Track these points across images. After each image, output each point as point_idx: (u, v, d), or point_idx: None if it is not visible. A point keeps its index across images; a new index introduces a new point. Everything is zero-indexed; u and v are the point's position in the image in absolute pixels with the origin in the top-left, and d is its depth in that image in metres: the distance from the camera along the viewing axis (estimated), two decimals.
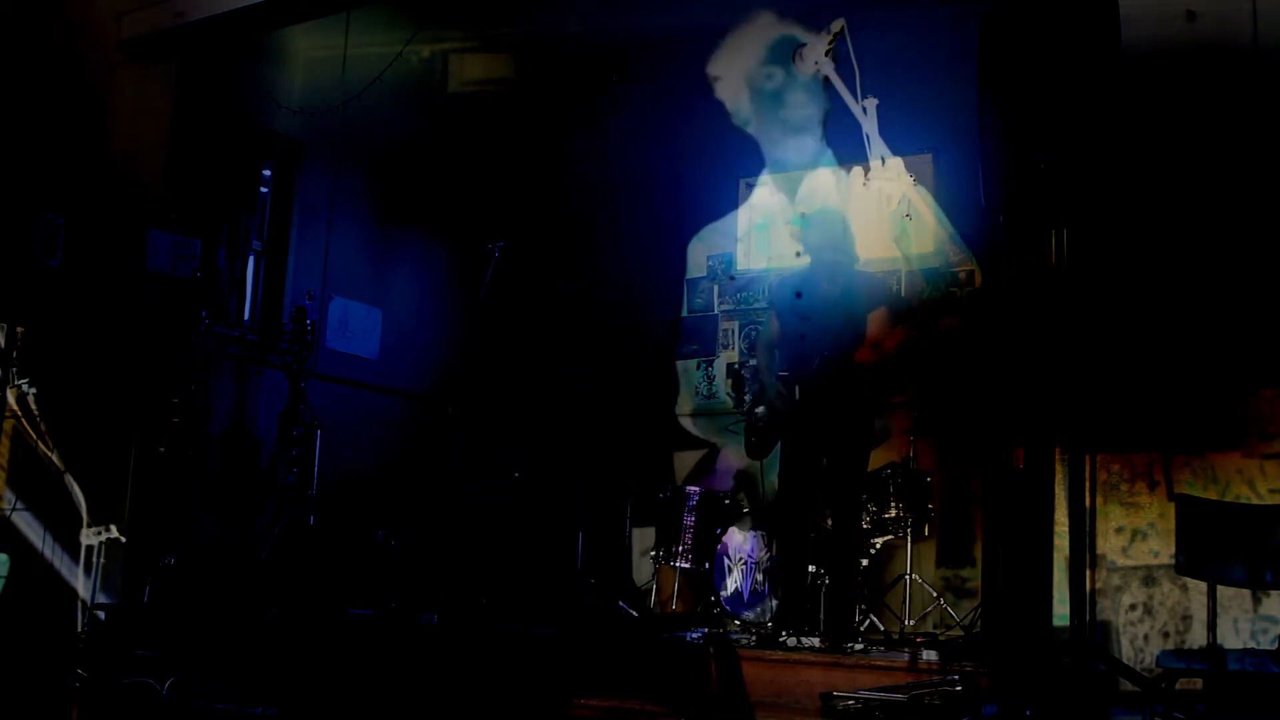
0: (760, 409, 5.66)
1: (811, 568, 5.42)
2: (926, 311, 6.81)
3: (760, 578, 6.02)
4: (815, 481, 5.44)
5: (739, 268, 7.75)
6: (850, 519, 5.49)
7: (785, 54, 7.22)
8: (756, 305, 7.58)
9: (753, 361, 6.37)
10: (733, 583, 6.09)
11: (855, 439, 5.43)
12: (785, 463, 5.51)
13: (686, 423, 7.78)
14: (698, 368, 7.74)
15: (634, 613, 6.07)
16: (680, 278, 7.96)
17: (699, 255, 7.93)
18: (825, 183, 6.65)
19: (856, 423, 5.42)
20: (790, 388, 5.37)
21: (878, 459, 6.19)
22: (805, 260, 5.62)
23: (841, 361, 5.28)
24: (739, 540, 6.16)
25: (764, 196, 7.65)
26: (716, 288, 7.81)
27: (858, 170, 7.25)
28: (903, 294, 7.01)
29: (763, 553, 6.05)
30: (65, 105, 6.07)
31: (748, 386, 5.78)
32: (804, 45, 7.43)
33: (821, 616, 5.22)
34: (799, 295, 5.50)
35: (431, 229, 8.04)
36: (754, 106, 7.47)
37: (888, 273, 7.06)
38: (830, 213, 5.70)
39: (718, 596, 6.07)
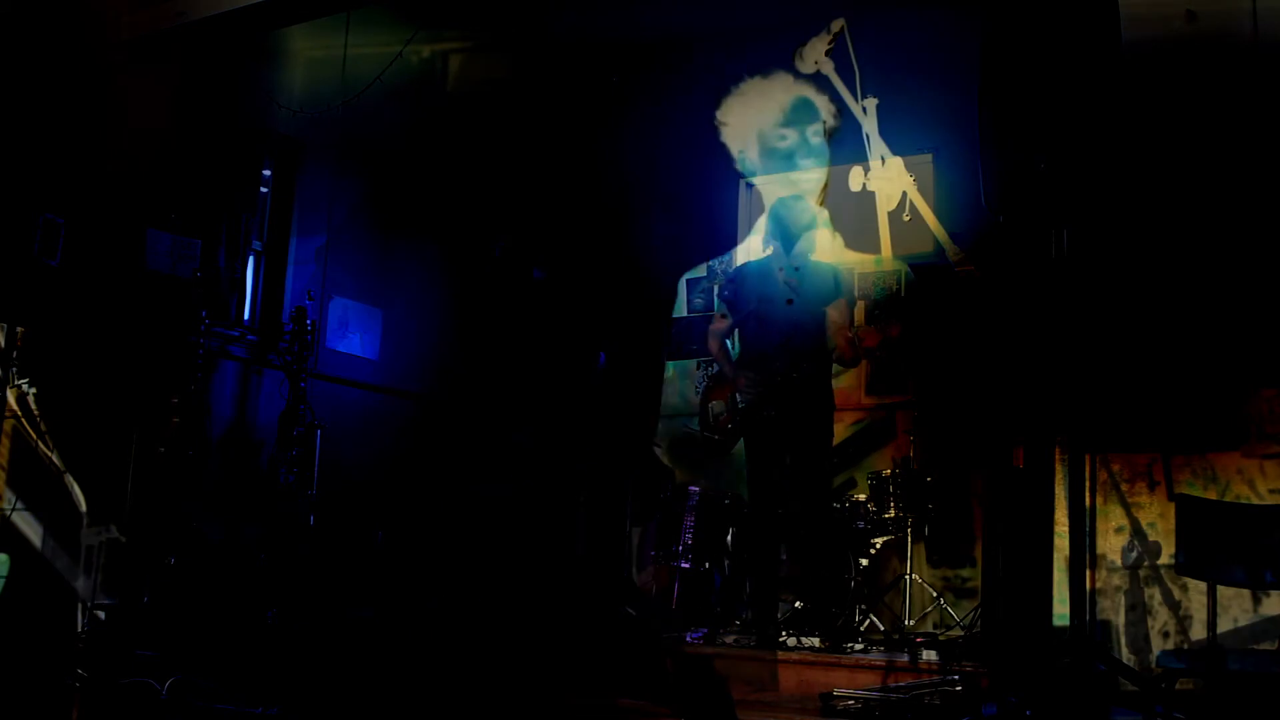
0: (715, 404, 5.67)
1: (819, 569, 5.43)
2: (926, 312, 6.81)
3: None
4: (782, 476, 5.46)
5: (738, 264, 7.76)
6: (822, 512, 5.52)
7: (799, 117, 7.27)
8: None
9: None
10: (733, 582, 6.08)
11: (819, 431, 5.46)
12: (751, 460, 5.55)
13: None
14: (698, 367, 7.73)
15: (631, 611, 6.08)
16: (680, 276, 7.96)
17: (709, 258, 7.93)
18: (823, 242, 6.68)
19: (818, 415, 5.46)
20: (757, 383, 5.40)
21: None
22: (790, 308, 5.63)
23: (802, 353, 5.32)
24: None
25: (755, 244, 7.67)
26: (716, 287, 7.81)
27: (857, 169, 7.27)
28: (902, 294, 7.01)
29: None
30: (65, 105, 6.07)
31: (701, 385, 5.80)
32: (804, 45, 7.46)
33: (821, 616, 5.23)
34: (797, 269, 5.54)
35: (432, 229, 8.04)
36: (763, 162, 7.51)
37: (888, 272, 7.07)
38: (820, 277, 5.74)
39: (718, 596, 6.06)
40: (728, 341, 5.95)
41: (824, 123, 7.35)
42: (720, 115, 7.41)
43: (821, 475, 5.54)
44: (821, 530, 5.54)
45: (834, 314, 5.47)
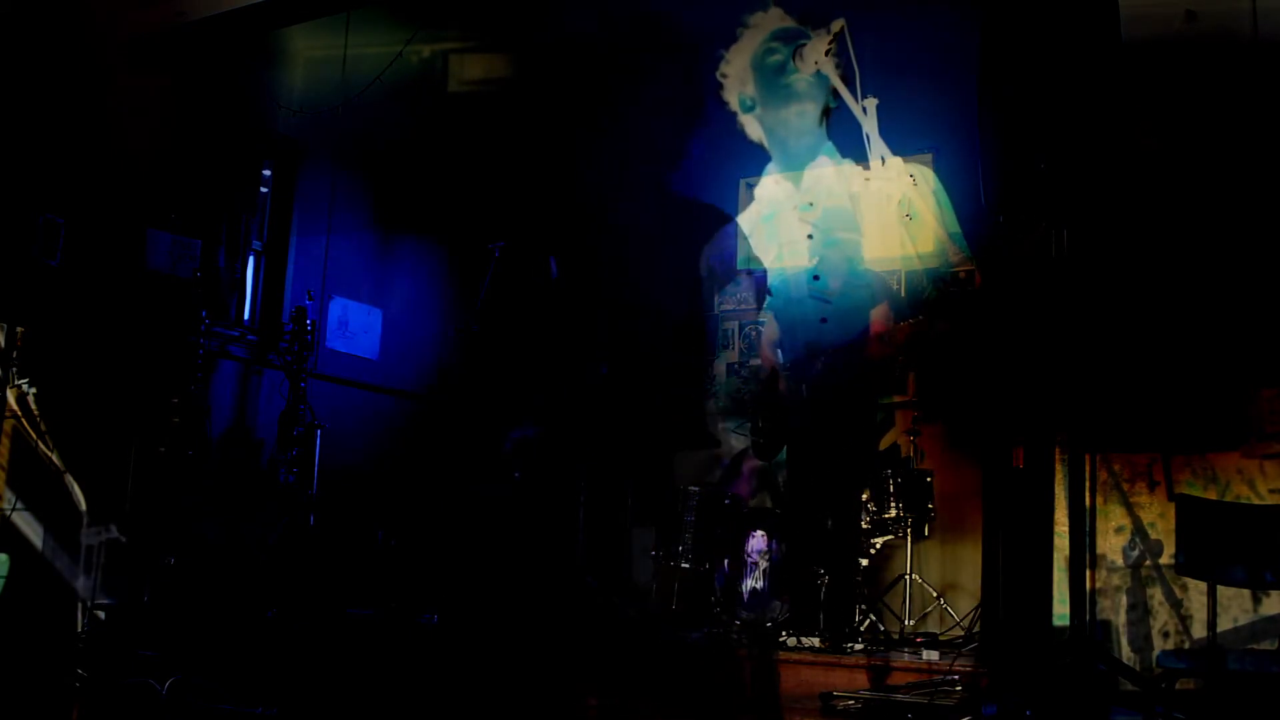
0: (764, 411, 5.67)
1: (819, 569, 5.44)
2: (926, 311, 6.81)
3: (762, 578, 6.01)
4: (825, 482, 5.46)
5: (739, 267, 7.75)
6: (850, 518, 5.51)
7: (788, 36, 7.30)
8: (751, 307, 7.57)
9: (754, 362, 6.39)
10: (750, 583, 6.08)
11: (860, 437, 5.45)
12: (793, 465, 5.54)
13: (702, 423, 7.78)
14: (734, 371, 7.72)
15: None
16: (688, 278, 7.94)
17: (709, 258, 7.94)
18: (828, 170, 6.78)
19: (861, 420, 5.44)
20: (797, 386, 5.39)
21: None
22: (812, 243, 5.63)
23: (846, 357, 5.30)
24: (759, 545, 6.14)
25: (769, 188, 7.66)
26: (716, 288, 7.81)
27: (859, 168, 7.27)
28: (903, 294, 7.01)
29: (766, 553, 6.05)
30: (66, 104, 6.07)
31: (747, 389, 5.79)
32: (804, 45, 7.47)
33: (821, 616, 5.23)
34: (816, 278, 5.54)
35: (432, 229, 8.04)
36: (759, 90, 7.52)
37: (889, 272, 7.06)
38: (838, 207, 5.78)
39: (718, 596, 6.06)
40: (777, 350, 5.95)
41: (811, 43, 7.39)
42: (721, 71, 7.48)
43: (855, 481, 5.54)
44: (846, 535, 5.55)
45: (877, 318, 5.49)
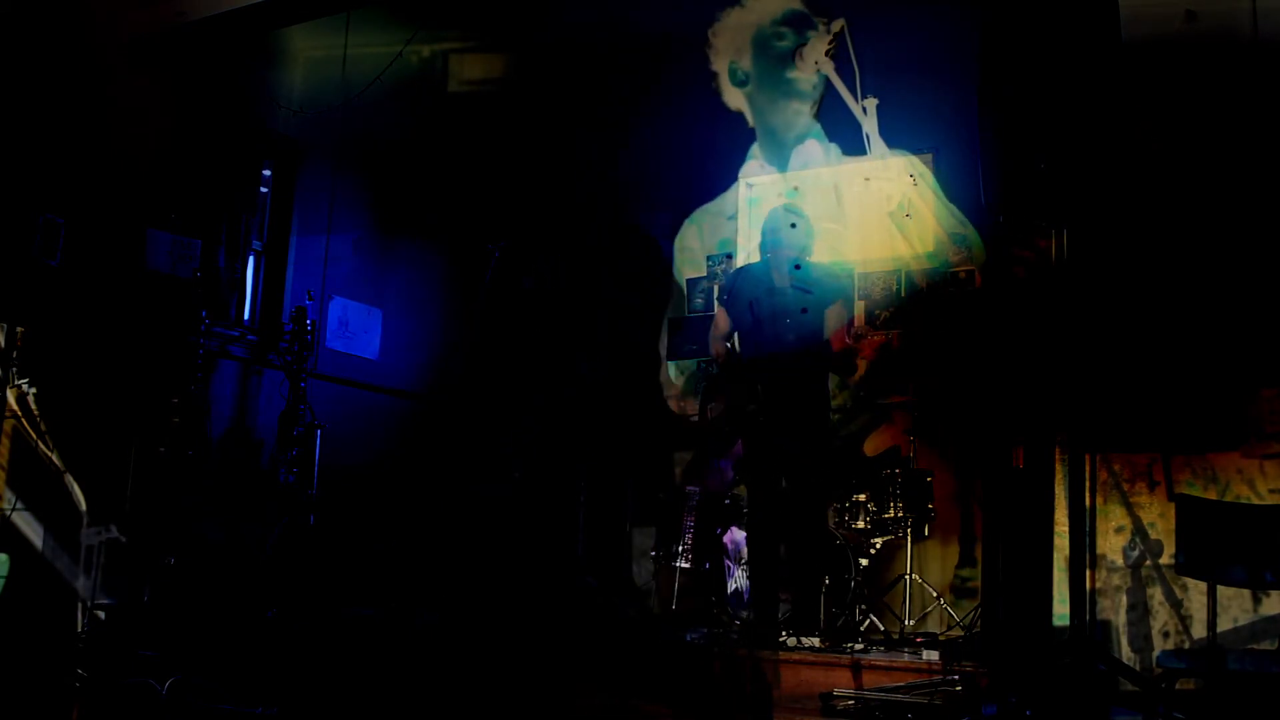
0: (714, 405, 5.66)
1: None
2: (926, 312, 6.81)
3: (743, 576, 6.02)
4: (779, 478, 5.45)
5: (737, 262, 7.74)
6: (812, 515, 5.52)
7: (792, 20, 7.30)
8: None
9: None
10: (734, 582, 6.09)
11: (814, 433, 5.44)
12: (748, 460, 5.55)
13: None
14: (698, 367, 7.73)
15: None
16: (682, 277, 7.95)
17: (690, 239, 7.91)
18: (817, 157, 6.77)
19: (815, 417, 5.44)
20: (752, 383, 5.38)
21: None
22: (795, 232, 5.60)
23: (802, 354, 5.31)
24: (739, 539, 6.16)
25: (754, 170, 7.65)
26: (716, 287, 7.80)
27: (858, 168, 7.26)
28: (902, 294, 7.01)
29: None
30: (66, 104, 6.07)
31: (700, 383, 5.77)
32: (804, 45, 7.47)
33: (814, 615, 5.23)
34: (798, 266, 5.51)
35: (431, 229, 8.04)
36: (754, 67, 7.51)
37: (887, 272, 7.06)
38: (823, 197, 5.76)
39: (718, 596, 6.06)
40: (725, 343, 5.95)
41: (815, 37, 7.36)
42: (711, 33, 7.45)
43: (819, 476, 5.53)
44: (817, 529, 5.54)
45: (831, 318, 5.46)
